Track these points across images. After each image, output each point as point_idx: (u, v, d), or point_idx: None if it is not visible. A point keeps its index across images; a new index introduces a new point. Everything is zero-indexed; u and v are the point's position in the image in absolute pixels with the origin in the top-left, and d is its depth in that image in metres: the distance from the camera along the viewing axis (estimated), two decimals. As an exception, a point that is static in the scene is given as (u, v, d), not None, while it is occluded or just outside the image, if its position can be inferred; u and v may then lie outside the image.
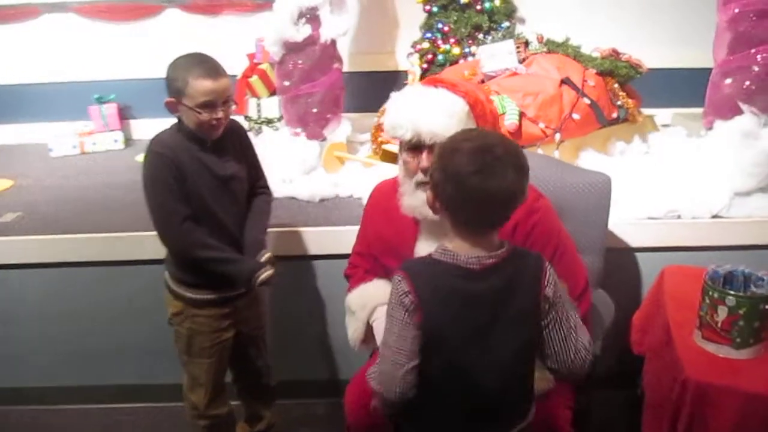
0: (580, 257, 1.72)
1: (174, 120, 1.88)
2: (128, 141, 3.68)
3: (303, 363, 2.59)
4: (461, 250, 1.36)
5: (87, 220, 2.56)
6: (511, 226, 1.58)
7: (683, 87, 3.54)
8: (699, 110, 3.50)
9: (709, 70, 3.09)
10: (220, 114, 1.81)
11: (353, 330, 1.77)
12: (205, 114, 1.78)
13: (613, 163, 2.68)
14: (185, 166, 1.82)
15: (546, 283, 1.38)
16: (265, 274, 1.86)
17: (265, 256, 1.91)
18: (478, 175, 1.28)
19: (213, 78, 1.78)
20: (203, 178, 1.85)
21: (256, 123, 3.40)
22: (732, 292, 1.65)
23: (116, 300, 2.51)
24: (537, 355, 1.44)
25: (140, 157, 3.43)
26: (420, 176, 1.59)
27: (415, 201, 1.61)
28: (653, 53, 3.12)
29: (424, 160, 1.56)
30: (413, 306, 1.35)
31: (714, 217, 2.38)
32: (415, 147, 1.58)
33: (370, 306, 1.73)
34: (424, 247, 1.64)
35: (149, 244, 2.29)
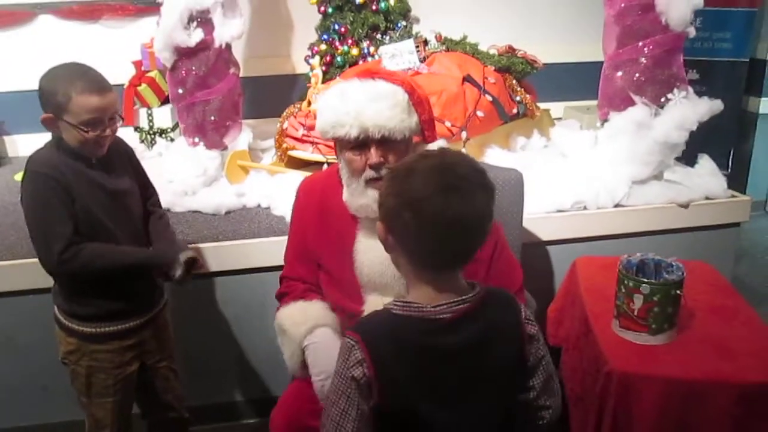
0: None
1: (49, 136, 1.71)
2: (2, 159, 3.37)
3: (217, 385, 2.45)
4: (425, 298, 1.17)
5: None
6: None
7: (572, 81, 3.70)
8: (589, 103, 3.69)
9: (596, 63, 3.23)
10: (107, 132, 1.66)
11: (289, 354, 1.64)
12: (91, 132, 1.63)
13: (517, 158, 2.73)
14: (72, 184, 1.66)
15: (525, 319, 1.24)
16: (190, 254, 1.78)
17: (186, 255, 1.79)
18: (440, 197, 1.10)
19: (100, 93, 1.61)
20: (94, 195, 1.70)
21: (149, 134, 3.21)
22: (646, 280, 1.70)
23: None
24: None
25: (19, 176, 3.20)
26: (369, 173, 1.53)
27: (366, 200, 1.55)
28: (542, 49, 3.20)
29: (374, 155, 1.51)
30: (366, 381, 1.15)
31: (617, 206, 2.47)
32: (361, 144, 1.52)
33: (309, 324, 1.60)
34: (363, 245, 1.60)
35: (32, 272, 2.09)
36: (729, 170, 3.73)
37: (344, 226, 1.63)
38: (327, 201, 1.68)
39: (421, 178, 1.12)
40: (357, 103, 1.49)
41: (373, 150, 1.51)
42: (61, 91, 1.59)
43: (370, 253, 1.61)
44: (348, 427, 1.17)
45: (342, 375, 1.18)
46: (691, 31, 2.46)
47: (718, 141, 3.24)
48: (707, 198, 2.54)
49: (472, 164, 1.18)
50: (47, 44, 3.32)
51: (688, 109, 2.43)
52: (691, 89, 2.52)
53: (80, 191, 1.67)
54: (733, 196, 2.58)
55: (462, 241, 1.14)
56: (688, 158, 2.76)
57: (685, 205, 2.49)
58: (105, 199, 1.73)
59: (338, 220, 1.64)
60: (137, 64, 3.30)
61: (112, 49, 3.30)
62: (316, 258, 1.71)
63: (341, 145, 1.57)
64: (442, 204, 1.10)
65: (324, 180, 1.74)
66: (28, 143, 3.40)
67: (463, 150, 2.63)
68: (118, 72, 3.18)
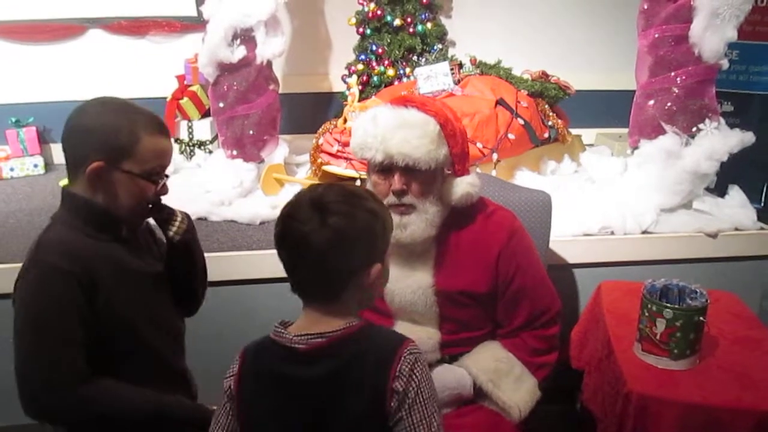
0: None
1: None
2: (48, 166, 3.50)
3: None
4: (296, 327, 1.19)
5: (6, 249, 2.40)
6: (494, 257, 1.59)
7: (605, 109, 3.73)
8: (621, 131, 3.71)
9: (629, 93, 3.30)
10: (166, 188, 1.37)
11: None
12: (156, 186, 1.33)
13: (546, 181, 2.76)
14: (99, 274, 1.27)
15: (396, 373, 1.13)
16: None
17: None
18: (285, 220, 1.15)
19: (166, 135, 1.33)
20: (127, 285, 1.33)
21: (188, 146, 3.32)
22: (669, 305, 1.72)
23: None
24: None
25: (65, 181, 3.31)
26: (392, 198, 1.55)
27: None
28: (576, 76, 3.25)
29: (396, 182, 1.53)
30: (231, 392, 1.21)
31: (644, 232, 2.48)
32: (386, 169, 1.54)
33: None
34: (394, 274, 1.55)
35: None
36: (762, 204, 3.71)
37: None
38: None
39: (291, 201, 1.18)
40: (385, 129, 1.51)
41: (396, 176, 1.53)
42: (125, 129, 1.26)
43: (401, 282, 1.63)
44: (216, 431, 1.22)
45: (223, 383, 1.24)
46: (724, 63, 2.48)
47: (752, 174, 3.23)
48: (736, 229, 2.54)
49: (345, 204, 1.15)
50: (96, 57, 3.47)
51: (719, 140, 2.45)
52: (722, 120, 2.54)
53: (108, 283, 1.28)
54: (762, 229, 2.58)
55: (295, 266, 1.16)
56: (720, 189, 2.77)
57: (714, 235, 2.49)
58: (139, 290, 1.35)
59: None
60: (180, 78, 3.42)
61: (157, 64, 3.44)
62: None
63: (369, 167, 1.60)
64: (281, 227, 1.15)
65: None
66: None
67: (493, 172, 2.68)
68: (161, 85, 3.33)
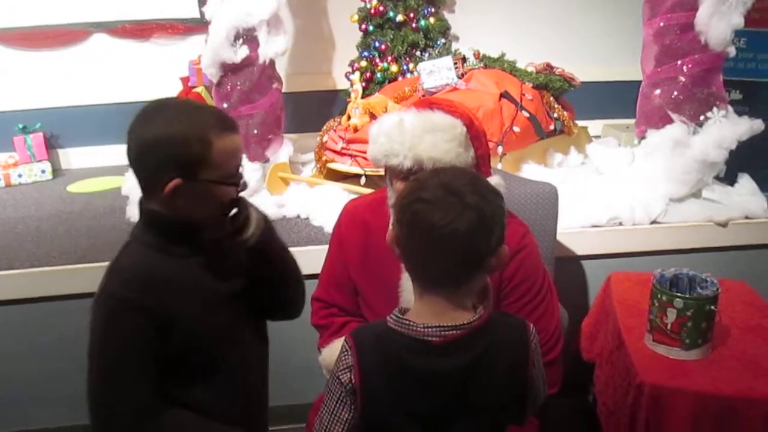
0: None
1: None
2: (56, 171, 3.52)
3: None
4: (420, 317, 1.14)
5: (15, 255, 2.41)
6: None
7: (611, 99, 3.70)
8: (627, 121, 3.69)
9: (635, 83, 3.29)
10: (245, 183, 1.28)
11: None
12: (234, 187, 1.24)
13: (553, 173, 2.75)
14: (178, 300, 1.22)
15: (533, 362, 1.17)
16: None
17: None
18: (416, 205, 1.10)
19: (235, 130, 1.23)
20: (207, 309, 1.27)
21: (193, 147, 3.33)
22: (680, 295, 1.70)
23: (47, 339, 2.36)
24: None
25: (72, 187, 3.37)
26: None
27: None
28: (581, 68, 3.22)
29: None
30: (351, 386, 1.16)
31: (653, 223, 2.46)
32: (413, 175, 1.40)
33: None
34: (410, 284, 1.44)
35: (83, 277, 2.21)
36: (773, 191, 3.68)
37: (389, 259, 1.50)
38: (371, 231, 1.62)
39: (421, 184, 1.13)
40: (412, 134, 1.42)
41: None
42: (195, 136, 1.16)
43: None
44: (336, 429, 1.18)
45: (334, 377, 1.19)
46: (731, 51, 2.45)
47: (762, 162, 3.21)
48: (746, 217, 2.51)
49: (474, 184, 1.13)
50: (101, 61, 3.48)
51: (727, 128, 2.43)
52: (731, 108, 2.52)
53: (186, 306, 1.23)
54: (773, 216, 2.55)
55: (442, 257, 1.11)
56: (729, 178, 2.75)
57: (724, 224, 2.47)
58: (218, 310, 1.28)
59: (383, 253, 1.51)
60: (184, 80, 3.43)
61: (162, 66, 3.45)
62: (356, 287, 1.65)
63: (392, 174, 1.49)
64: (422, 210, 1.09)
65: (368, 206, 1.67)
66: (82, 156, 3.59)
67: (499, 165, 2.66)
68: (166, 87, 3.33)
